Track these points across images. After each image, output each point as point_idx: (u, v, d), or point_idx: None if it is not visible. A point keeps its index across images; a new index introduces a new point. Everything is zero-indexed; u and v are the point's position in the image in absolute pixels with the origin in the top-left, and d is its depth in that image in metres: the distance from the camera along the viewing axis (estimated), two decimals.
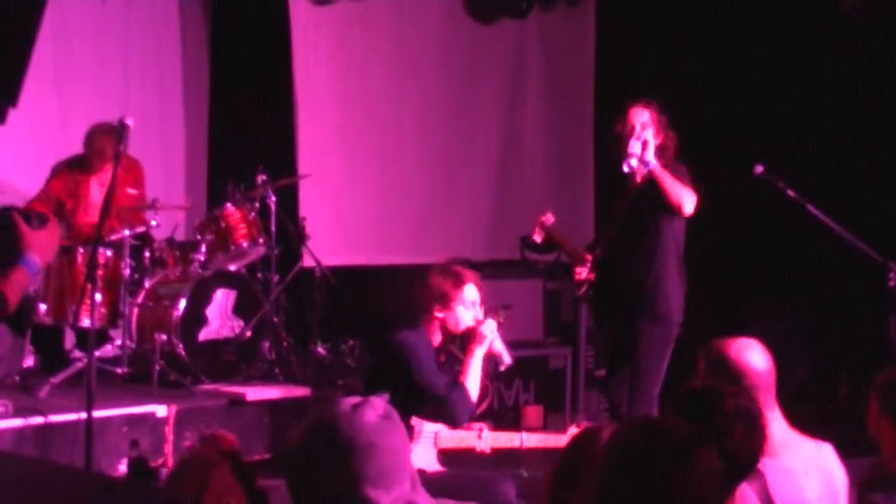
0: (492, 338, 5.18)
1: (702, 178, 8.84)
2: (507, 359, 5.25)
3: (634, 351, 6.10)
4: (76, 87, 8.41)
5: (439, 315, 5.09)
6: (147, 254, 7.34)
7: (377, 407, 2.54)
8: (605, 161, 9.88)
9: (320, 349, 7.92)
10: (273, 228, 7.69)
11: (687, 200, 6.02)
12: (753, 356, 3.50)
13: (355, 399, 2.56)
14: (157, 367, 6.89)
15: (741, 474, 3.05)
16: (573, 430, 5.14)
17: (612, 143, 6.26)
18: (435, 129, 9.49)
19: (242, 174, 7.68)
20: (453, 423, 4.97)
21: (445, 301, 5.09)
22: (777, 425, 3.46)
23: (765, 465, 3.30)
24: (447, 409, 4.95)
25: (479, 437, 5.04)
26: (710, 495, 2.37)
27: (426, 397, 4.96)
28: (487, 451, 5.05)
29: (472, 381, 5.07)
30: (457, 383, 5.03)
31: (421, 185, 9.46)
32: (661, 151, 6.12)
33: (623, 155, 6.06)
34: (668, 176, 5.99)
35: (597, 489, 2.41)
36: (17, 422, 5.99)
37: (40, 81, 7.96)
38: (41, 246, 3.59)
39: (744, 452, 3.04)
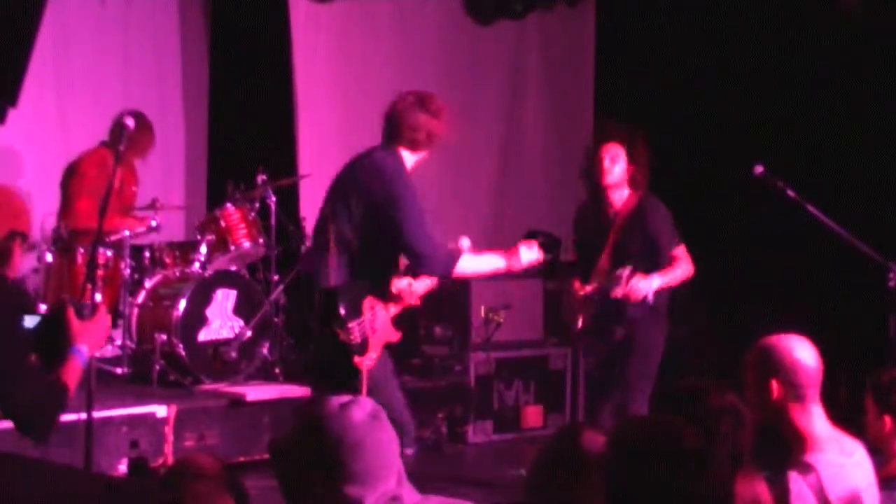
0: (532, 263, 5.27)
1: (702, 178, 8.88)
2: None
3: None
4: (76, 87, 8.40)
5: (417, 147, 5.17)
6: (147, 254, 7.34)
7: (364, 406, 2.58)
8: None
9: None
10: (273, 228, 7.69)
11: (687, 273, 6.01)
12: (805, 353, 3.53)
13: (343, 398, 2.60)
14: (157, 368, 6.89)
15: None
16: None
17: (583, 177, 6.20)
18: None
19: (242, 174, 7.68)
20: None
21: (432, 140, 5.18)
22: (820, 421, 3.49)
23: (816, 459, 3.33)
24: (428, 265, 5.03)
25: (410, 287, 5.15)
26: (722, 494, 2.37)
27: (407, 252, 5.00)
28: (417, 303, 5.27)
29: (478, 265, 5.19)
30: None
31: (420, 184, 9.42)
32: (633, 182, 6.00)
33: (598, 205, 6.06)
34: (668, 277, 5.90)
35: (604, 493, 2.41)
36: None
37: (40, 81, 7.97)
38: (90, 336, 3.82)
39: (731, 450, 3.05)
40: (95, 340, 3.83)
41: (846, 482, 3.36)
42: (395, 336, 5.17)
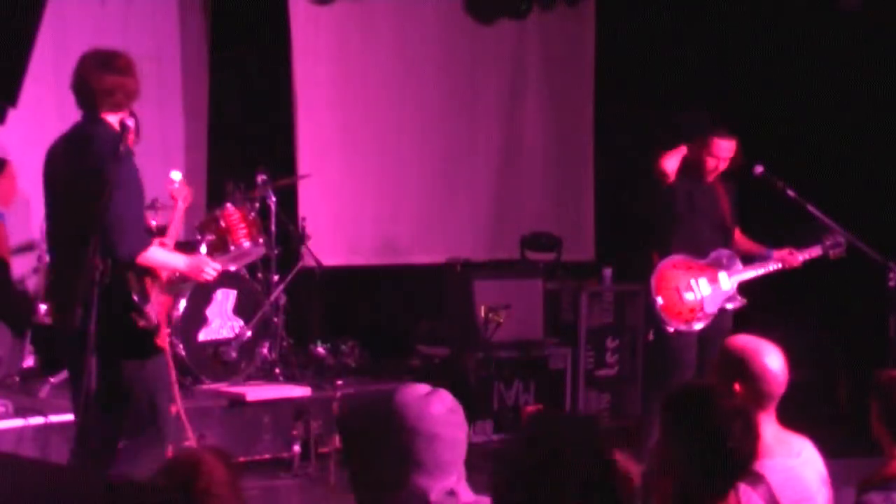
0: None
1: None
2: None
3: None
4: None
5: (119, 108, 4.87)
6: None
7: (445, 400, 2.60)
8: (608, 162, 9.90)
9: (320, 349, 7.93)
10: (273, 228, 7.69)
11: None
12: (774, 361, 3.50)
13: (425, 387, 2.61)
14: None
15: (737, 474, 3.05)
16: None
17: (687, 162, 6.65)
18: (435, 129, 9.49)
19: (242, 174, 7.68)
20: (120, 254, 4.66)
21: (131, 98, 4.89)
22: (770, 427, 3.47)
23: (764, 466, 3.29)
24: (122, 237, 4.65)
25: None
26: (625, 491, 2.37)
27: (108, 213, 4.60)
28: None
29: (163, 260, 4.88)
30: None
31: (421, 185, 9.46)
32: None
33: (699, 172, 6.65)
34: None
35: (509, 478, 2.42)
36: (17, 422, 6.00)
37: (40, 82, 7.95)
38: (2, 195, 3.66)
39: (741, 452, 3.04)
40: (5, 197, 3.68)
41: (798, 485, 3.34)
42: (168, 302, 5.12)
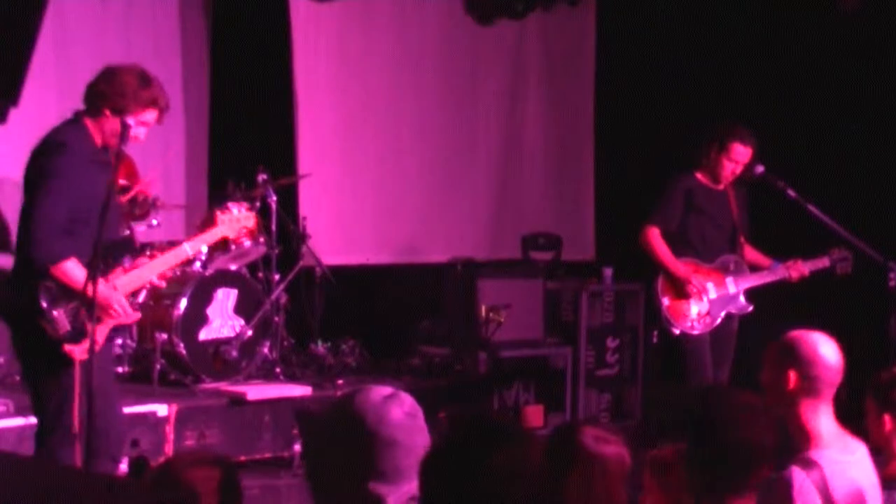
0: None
1: None
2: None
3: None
4: (76, 87, 8.34)
5: (110, 116, 4.93)
6: (148, 253, 7.34)
7: (405, 404, 2.56)
8: (608, 162, 9.89)
9: (320, 348, 7.93)
10: (273, 228, 7.69)
11: None
12: (829, 350, 3.51)
13: (386, 390, 2.57)
14: (158, 367, 6.90)
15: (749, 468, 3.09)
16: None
17: (702, 161, 6.69)
18: (435, 129, 9.50)
19: (243, 173, 7.69)
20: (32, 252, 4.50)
21: (128, 108, 4.93)
22: (827, 419, 3.48)
23: (819, 455, 3.32)
24: (32, 236, 4.49)
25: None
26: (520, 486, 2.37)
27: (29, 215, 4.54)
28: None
29: (75, 279, 4.53)
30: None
31: (421, 184, 9.46)
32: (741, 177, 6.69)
33: (718, 177, 6.67)
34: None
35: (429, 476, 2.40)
36: (17, 421, 6.00)
37: (40, 81, 7.96)
38: None
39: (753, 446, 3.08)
40: None
41: (850, 480, 3.35)
42: (130, 318, 4.84)
